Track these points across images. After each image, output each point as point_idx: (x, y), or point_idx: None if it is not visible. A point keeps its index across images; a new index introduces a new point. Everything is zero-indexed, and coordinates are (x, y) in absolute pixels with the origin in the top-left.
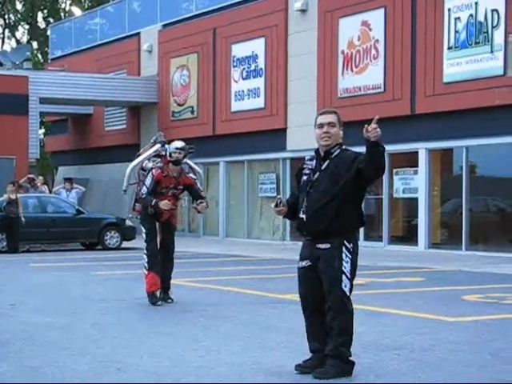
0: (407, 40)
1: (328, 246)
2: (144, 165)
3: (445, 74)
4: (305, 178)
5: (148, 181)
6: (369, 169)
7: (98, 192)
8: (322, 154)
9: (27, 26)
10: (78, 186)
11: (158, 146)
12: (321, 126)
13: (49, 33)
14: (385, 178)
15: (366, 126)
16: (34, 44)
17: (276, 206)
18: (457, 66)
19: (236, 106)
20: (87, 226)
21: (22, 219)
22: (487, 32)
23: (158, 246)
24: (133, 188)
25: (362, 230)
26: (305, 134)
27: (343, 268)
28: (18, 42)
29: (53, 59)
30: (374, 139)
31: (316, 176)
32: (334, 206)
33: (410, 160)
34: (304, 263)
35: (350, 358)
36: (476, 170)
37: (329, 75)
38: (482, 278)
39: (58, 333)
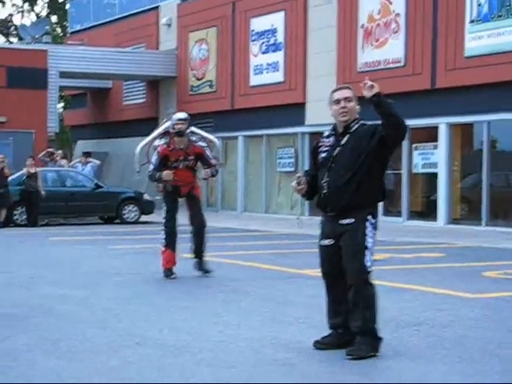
0: (428, 13)
1: (352, 220)
2: (155, 144)
3: (466, 47)
4: (324, 154)
5: (153, 158)
6: (388, 131)
7: (116, 166)
8: (341, 129)
9: (47, 0)
10: (93, 160)
11: (167, 123)
12: (337, 101)
13: (68, 7)
14: (404, 152)
15: (361, 85)
16: (54, 18)
17: (298, 184)
18: (478, 40)
19: (255, 80)
20: (106, 199)
21: (42, 193)
22: (510, 5)
23: (189, 219)
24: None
25: (380, 204)
26: (324, 109)
27: (366, 243)
28: (37, 16)
29: (72, 33)
30: (369, 93)
31: (336, 151)
32: (357, 180)
33: (430, 135)
34: (327, 242)
35: (378, 335)
36: (497, 144)
37: (348, 49)
38: (502, 254)
39: (77, 306)
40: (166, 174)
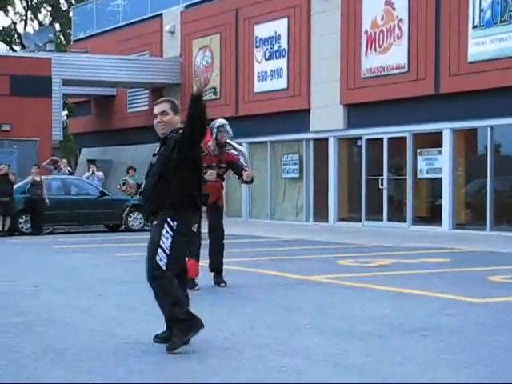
0: (431, 19)
1: (156, 222)
2: None
3: (469, 53)
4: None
5: None
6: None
7: (121, 173)
8: (161, 140)
9: (50, 8)
10: (97, 173)
11: None
12: (155, 116)
13: (71, 14)
14: (408, 158)
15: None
16: (57, 26)
17: (124, 185)
18: (482, 45)
19: (259, 86)
20: (111, 207)
21: (47, 201)
22: None
23: (208, 230)
24: None
25: (385, 210)
26: (328, 115)
27: (161, 242)
28: (40, 24)
29: (75, 41)
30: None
31: (154, 160)
32: (160, 186)
33: (434, 140)
34: None
35: (186, 316)
36: (500, 149)
37: (352, 55)
38: (507, 258)
39: (83, 315)
40: (210, 174)
